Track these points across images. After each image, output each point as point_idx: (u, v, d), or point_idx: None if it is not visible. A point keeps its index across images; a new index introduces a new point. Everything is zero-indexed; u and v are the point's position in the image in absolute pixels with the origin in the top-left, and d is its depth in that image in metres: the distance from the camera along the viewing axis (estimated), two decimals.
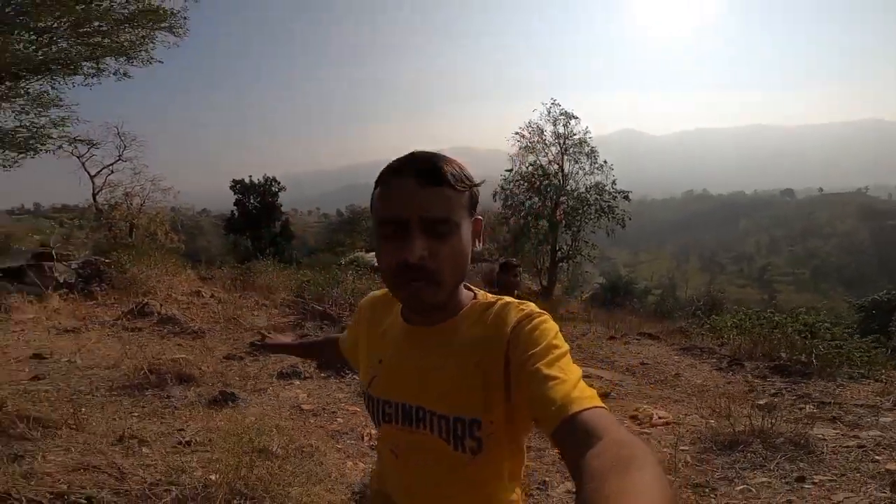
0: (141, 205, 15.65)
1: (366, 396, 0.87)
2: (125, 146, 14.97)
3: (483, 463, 0.76)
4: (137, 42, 9.21)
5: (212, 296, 8.80)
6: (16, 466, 2.23)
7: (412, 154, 0.75)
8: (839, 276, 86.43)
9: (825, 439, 2.91)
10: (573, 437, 0.58)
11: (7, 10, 7.77)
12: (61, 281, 8.49)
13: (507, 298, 0.81)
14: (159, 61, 9.96)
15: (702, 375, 4.90)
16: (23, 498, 1.89)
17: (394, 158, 0.76)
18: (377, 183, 0.76)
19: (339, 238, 30.37)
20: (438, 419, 0.76)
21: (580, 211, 17.84)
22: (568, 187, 18.21)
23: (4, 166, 10.51)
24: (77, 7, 7.92)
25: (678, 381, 4.67)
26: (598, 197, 17.93)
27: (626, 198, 18.25)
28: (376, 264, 0.75)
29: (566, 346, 0.72)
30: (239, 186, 26.16)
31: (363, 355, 0.92)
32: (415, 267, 0.71)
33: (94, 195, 15.51)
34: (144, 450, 2.55)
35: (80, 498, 1.99)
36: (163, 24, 9.17)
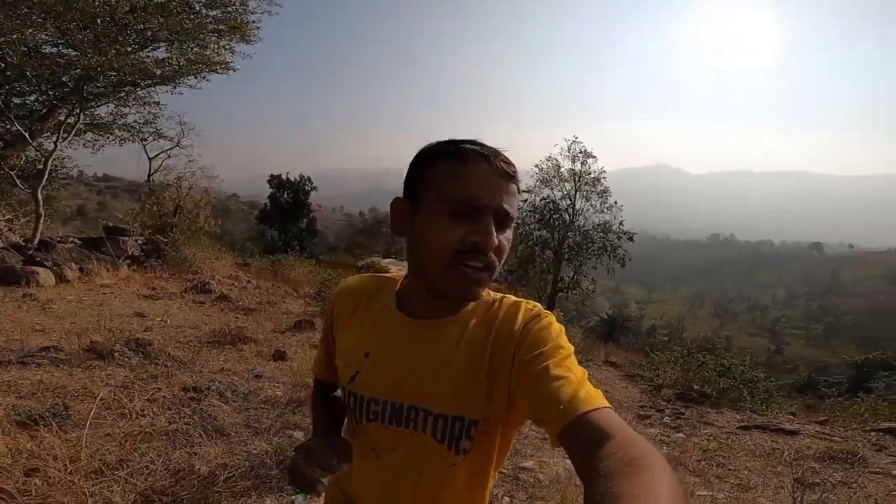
0: (189, 188, 17.10)
1: (347, 393, 0.83)
2: (184, 134, 16.40)
3: (472, 461, 0.76)
4: (220, 53, 10.83)
5: (248, 281, 10.49)
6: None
7: (483, 144, 0.73)
8: (853, 335, 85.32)
9: (648, 435, 4.30)
10: (581, 438, 0.58)
11: (112, 25, 9.43)
12: (129, 254, 10.27)
13: (513, 297, 0.80)
14: (234, 70, 11.42)
15: (624, 394, 6.31)
16: (198, 386, 3.53)
17: (460, 138, 0.74)
18: (444, 155, 0.73)
19: (359, 240, 32.10)
20: (435, 418, 0.74)
21: (583, 247, 19.04)
22: (576, 223, 19.44)
23: (91, 149, 12.43)
24: (174, 10, 9.42)
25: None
26: (603, 236, 19.12)
27: (631, 239, 19.30)
28: (421, 247, 0.73)
29: (571, 347, 0.72)
30: (275, 181, 28.22)
31: (342, 349, 0.85)
32: (485, 253, 0.70)
33: (149, 175, 17.10)
34: (235, 378, 4.14)
35: (215, 392, 3.60)
36: (243, 37, 10.77)
